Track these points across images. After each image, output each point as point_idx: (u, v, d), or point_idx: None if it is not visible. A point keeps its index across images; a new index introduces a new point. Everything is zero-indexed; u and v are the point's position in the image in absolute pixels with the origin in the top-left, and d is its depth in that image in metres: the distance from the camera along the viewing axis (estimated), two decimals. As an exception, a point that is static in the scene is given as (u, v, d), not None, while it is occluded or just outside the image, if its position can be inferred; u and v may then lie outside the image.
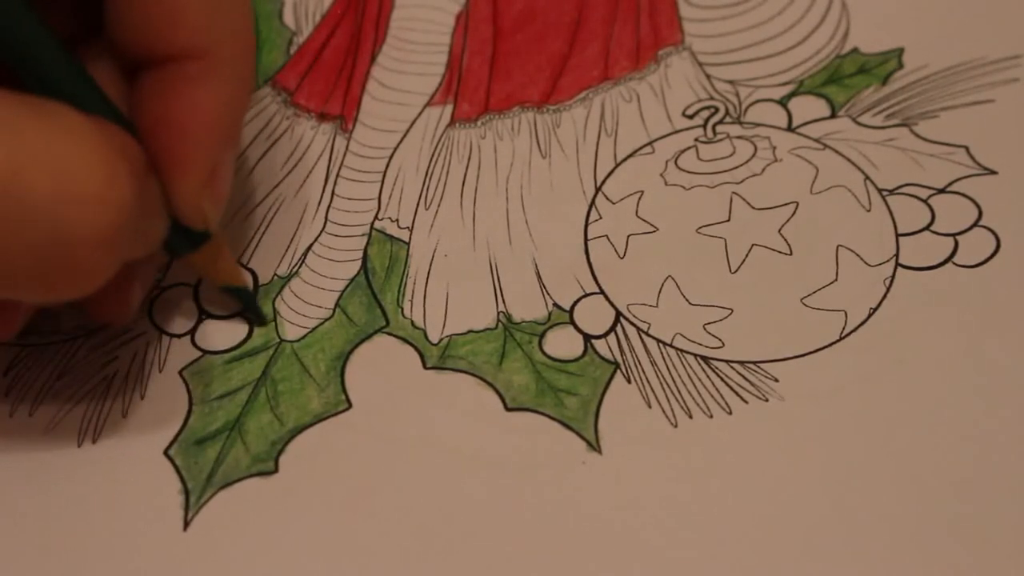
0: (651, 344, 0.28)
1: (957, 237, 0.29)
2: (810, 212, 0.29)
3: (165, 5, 0.24)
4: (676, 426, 0.26)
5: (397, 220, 0.30)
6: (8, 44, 0.22)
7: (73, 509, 0.26)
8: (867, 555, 0.24)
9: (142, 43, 0.24)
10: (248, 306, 0.29)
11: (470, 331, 0.28)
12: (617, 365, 0.27)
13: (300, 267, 0.30)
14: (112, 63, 0.25)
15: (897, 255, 0.28)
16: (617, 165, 0.31)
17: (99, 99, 0.24)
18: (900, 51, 0.32)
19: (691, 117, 0.31)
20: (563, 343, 0.28)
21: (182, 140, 0.24)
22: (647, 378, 0.27)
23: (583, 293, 0.29)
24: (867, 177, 0.30)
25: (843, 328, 0.27)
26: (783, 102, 0.32)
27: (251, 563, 0.25)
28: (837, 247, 0.29)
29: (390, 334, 0.28)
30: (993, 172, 0.30)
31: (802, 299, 0.28)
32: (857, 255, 0.29)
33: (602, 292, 0.29)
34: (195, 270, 0.29)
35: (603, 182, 0.31)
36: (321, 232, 0.30)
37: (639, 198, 0.30)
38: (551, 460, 0.26)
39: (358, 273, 0.29)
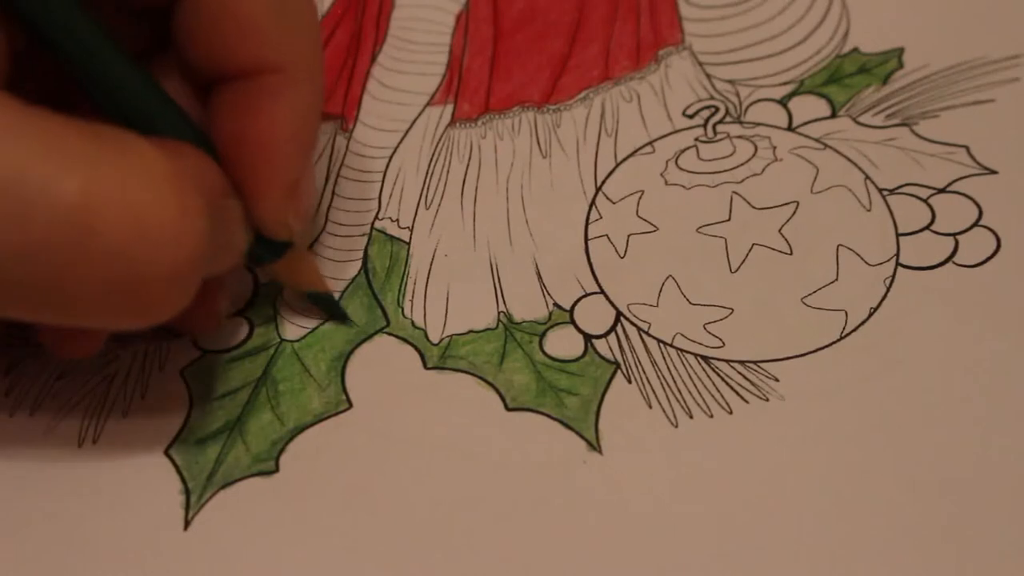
0: (651, 344, 0.28)
1: (957, 237, 0.29)
2: (810, 212, 0.29)
3: (238, 20, 0.24)
4: (676, 426, 0.26)
5: (397, 220, 0.30)
6: (84, 64, 0.22)
7: (73, 509, 0.26)
8: (867, 555, 0.24)
9: (215, 59, 0.24)
10: (332, 312, 0.28)
11: (470, 331, 0.28)
12: (617, 365, 0.27)
13: (300, 267, 0.30)
14: (182, 80, 0.25)
15: (897, 255, 0.28)
16: (617, 165, 0.31)
17: (177, 118, 0.24)
18: (900, 51, 0.32)
19: (691, 117, 0.31)
20: (563, 343, 0.28)
21: (263, 157, 0.24)
22: (647, 378, 0.27)
23: (583, 293, 0.29)
24: (867, 177, 0.30)
25: (843, 328, 0.27)
26: (783, 102, 0.32)
27: (251, 563, 0.25)
28: (837, 247, 0.29)
29: (390, 334, 0.28)
30: (993, 172, 0.30)
31: (802, 299, 0.28)
32: (857, 255, 0.29)
33: (602, 292, 0.29)
34: (278, 278, 0.28)
35: (603, 182, 0.31)
36: (321, 232, 0.30)
37: (639, 198, 0.30)
38: (551, 460, 0.26)
39: (358, 273, 0.29)
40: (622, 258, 0.29)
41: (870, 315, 0.28)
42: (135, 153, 0.21)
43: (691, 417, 0.26)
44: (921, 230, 0.29)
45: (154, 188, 0.21)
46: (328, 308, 0.29)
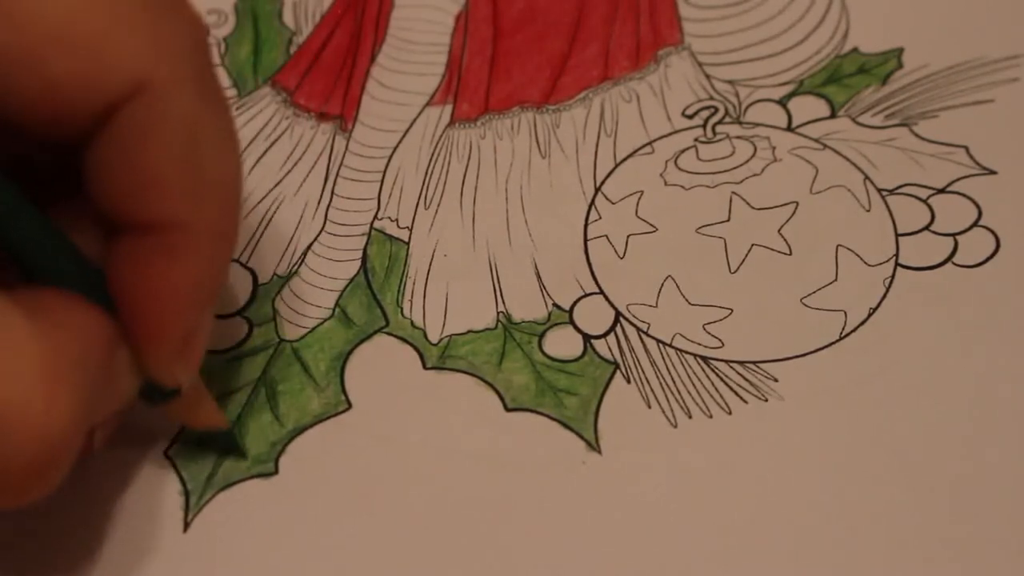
0: (651, 344, 0.28)
1: (957, 237, 0.29)
2: (810, 212, 0.29)
3: (143, 171, 0.22)
4: (676, 426, 0.26)
5: (397, 220, 0.30)
6: None
7: (73, 509, 0.26)
8: (867, 554, 0.24)
9: (118, 208, 0.23)
10: (230, 446, 0.27)
11: (470, 331, 0.28)
12: (617, 365, 0.27)
13: (300, 267, 0.30)
14: (91, 222, 0.24)
15: (897, 255, 0.28)
16: (617, 165, 0.31)
17: (71, 263, 0.23)
18: (900, 51, 0.32)
19: (691, 117, 0.31)
20: (563, 343, 0.28)
21: (154, 312, 0.23)
22: (647, 378, 0.27)
23: (583, 293, 0.29)
24: (867, 177, 0.30)
25: (843, 328, 0.27)
26: (783, 102, 0.32)
27: (251, 564, 0.25)
28: (837, 247, 0.29)
29: (390, 334, 0.28)
30: (993, 172, 0.30)
31: (802, 299, 0.28)
32: (857, 255, 0.29)
33: (602, 292, 0.29)
34: (172, 418, 0.27)
35: (603, 182, 0.31)
36: (321, 232, 0.30)
37: (639, 198, 0.30)
38: (551, 460, 0.26)
39: (358, 273, 0.29)
40: (621, 258, 0.29)
41: (869, 315, 0.28)
42: (5, 337, 0.20)
43: (690, 417, 0.26)
44: (920, 230, 0.29)
45: (19, 380, 0.20)
46: (225, 444, 0.27)
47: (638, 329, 0.28)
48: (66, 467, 0.21)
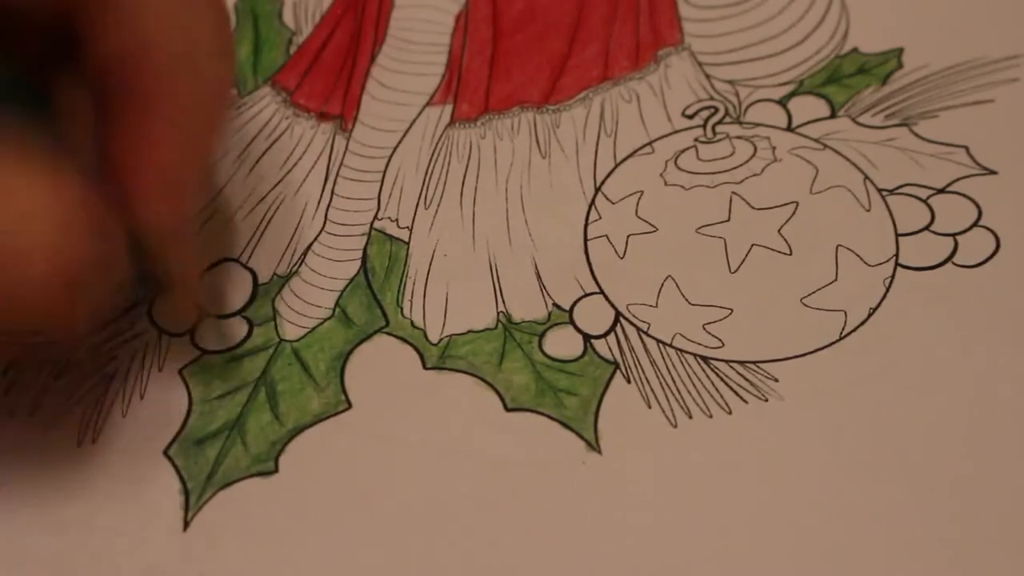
0: (651, 344, 0.28)
1: (957, 237, 0.29)
2: (810, 212, 0.29)
3: (134, 38, 0.23)
4: (676, 426, 0.26)
5: (397, 220, 0.30)
6: None
7: (72, 509, 0.26)
8: (867, 554, 0.24)
9: (108, 75, 0.24)
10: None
11: (470, 331, 0.28)
12: (617, 365, 0.27)
13: (300, 267, 0.30)
14: (83, 91, 0.25)
15: (897, 255, 0.28)
16: (617, 165, 0.31)
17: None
18: (900, 51, 0.32)
19: (691, 117, 0.31)
20: (563, 343, 0.28)
21: (142, 179, 0.24)
22: (647, 378, 0.27)
23: (583, 293, 0.29)
24: (867, 177, 0.30)
25: (843, 328, 0.27)
26: (783, 102, 0.32)
27: (251, 563, 0.25)
28: (837, 247, 0.29)
29: (390, 334, 0.28)
30: (993, 172, 0.30)
31: (802, 299, 0.28)
32: (857, 255, 0.29)
33: (602, 292, 0.29)
34: (163, 320, 0.28)
35: (603, 182, 0.31)
36: (321, 232, 0.30)
37: (639, 198, 0.30)
38: (551, 460, 0.26)
39: (358, 273, 0.29)
40: (621, 258, 0.29)
41: (869, 315, 0.28)
42: (25, 165, 0.21)
43: (690, 417, 0.26)
44: (920, 230, 0.29)
45: (36, 201, 0.21)
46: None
47: (638, 329, 0.28)
48: (81, 307, 0.22)
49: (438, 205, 0.31)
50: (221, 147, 0.26)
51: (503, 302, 0.29)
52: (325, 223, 0.30)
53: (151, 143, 0.24)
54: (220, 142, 0.26)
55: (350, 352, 0.28)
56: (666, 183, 0.30)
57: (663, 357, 0.27)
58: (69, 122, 0.25)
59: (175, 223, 0.25)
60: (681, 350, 0.27)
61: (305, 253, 0.30)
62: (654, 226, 0.30)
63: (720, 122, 0.31)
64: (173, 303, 0.27)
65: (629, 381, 0.27)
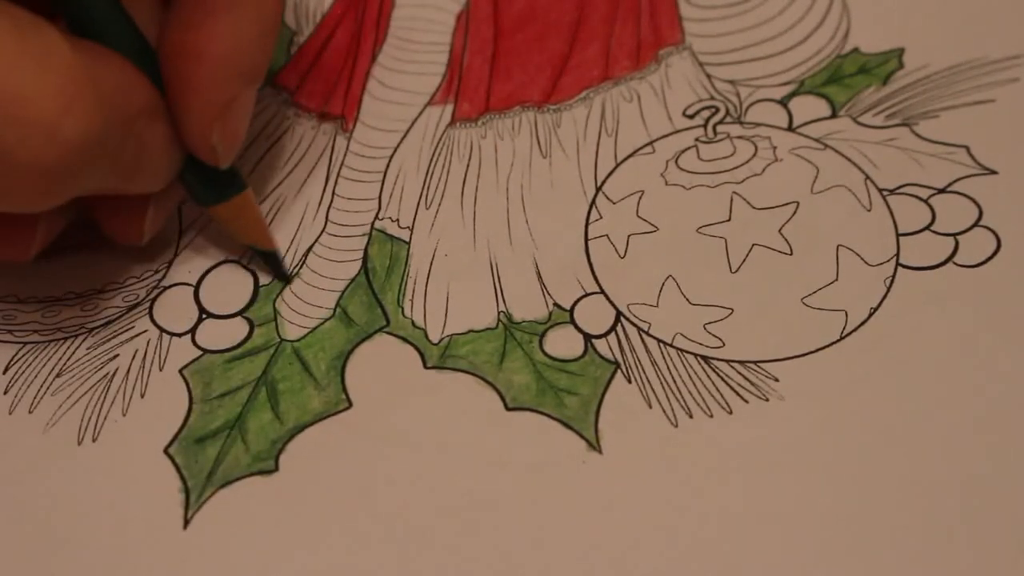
0: (651, 344, 0.28)
1: (957, 237, 0.29)
2: (810, 212, 0.29)
3: None
4: (676, 426, 0.26)
5: (398, 220, 0.30)
6: None
7: (73, 508, 0.26)
8: (867, 554, 0.24)
9: None
10: (276, 270, 0.29)
11: (470, 331, 0.28)
12: (617, 365, 0.27)
13: (301, 267, 0.30)
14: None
15: (897, 255, 0.28)
16: (617, 165, 0.31)
17: (123, 30, 0.24)
18: (901, 51, 0.32)
19: (692, 117, 0.31)
20: (563, 343, 0.28)
21: (195, 70, 0.24)
22: (647, 378, 0.27)
23: (583, 293, 0.29)
24: (867, 177, 0.30)
25: (843, 328, 0.27)
26: (784, 102, 0.32)
27: (250, 562, 0.25)
28: (837, 247, 0.29)
29: (390, 334, 0.28)
30: (993, 172, 0.30)
31: (802, 299, 0.28)
32: (857, 255, 0.28)
33: (602, 292, 0.29)
34: (219, 224, 0.29)
35: (604, 182, 0.31)
36: (322, 232, 0.30)
37: (639, 198, 0.30)
38: (551, 460, 0.26)
39: (359, 273, 0.29)
40: (622, 258, 0.29)
41: (870, 315, 0.28)
42: (38, 36, 0.21)
43: (691, 417, 0.26)
44: (921, 230, 0.29)
45: (41, 74, 0.21)
46: (272, 265, 0.29)
47: (639, 329, 0.28)
48: (70, 187, 0.22)
49: (439, 205, 0.31)
50: (275, 42, 0.27)
51: (504, 302, 0.29)
52: (326, 223, 0.30)
53: (211, 34, 0.25)
54: (276, 35, 0.27)
55: (351, 352, 0.28)
56: (667, 183, 0.30)
57: (664, 357, 0.27)
58: (142, 23, 0.25)
59: (228, 134, 0.26)
60: (682, 350, 0.27)
61: (306, 253, 0.30)
62: (655, 226, 0.30)
63: (721, 122, 0.31)
64: (230, 217, 0.28)
65: (630, 381, 0.27)
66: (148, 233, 0.28)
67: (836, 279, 0.28)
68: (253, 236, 0.29)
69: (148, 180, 0.25)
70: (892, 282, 0.28)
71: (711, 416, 0.26)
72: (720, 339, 0.28)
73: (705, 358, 0.27)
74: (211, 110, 0.25)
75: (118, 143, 0.23)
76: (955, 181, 0.30)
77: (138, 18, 0.25)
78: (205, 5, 0.25)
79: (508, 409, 0.27)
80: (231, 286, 0.29)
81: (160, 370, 0.28)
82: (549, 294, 0.29)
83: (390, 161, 0.32)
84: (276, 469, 0.26)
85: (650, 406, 0.27)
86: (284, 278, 0.29)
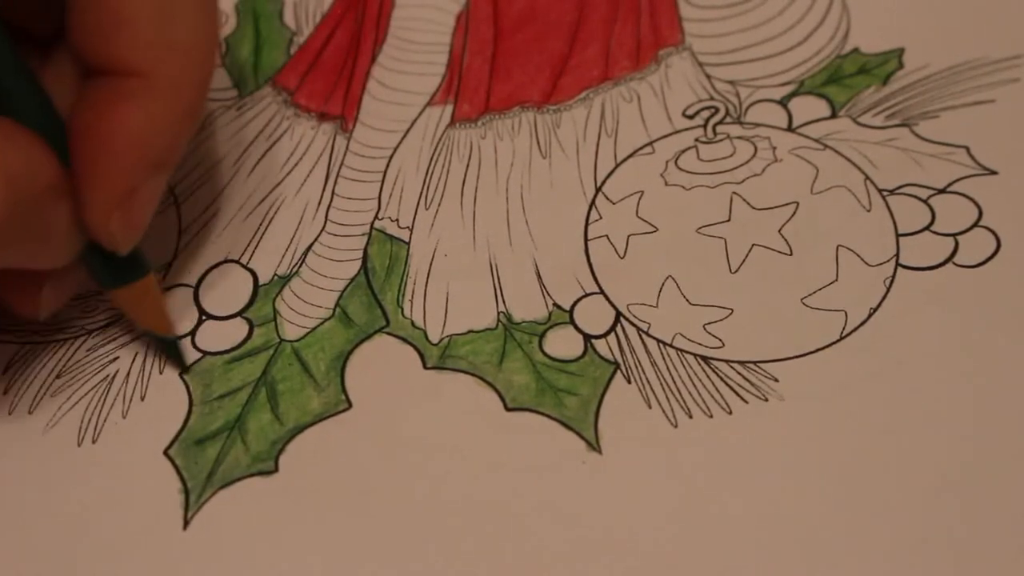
0: (651, 344, 0.28)
1: (957, 237, 0.29)
2: (810, 212, 0.29)
3: (114, 16, 0.23)
4: (676, 426, 0.26)
5: (397, 220, 0.30)
6: None
7: (73, 508, 0.26)
8: (867, 554, 0.24)
9: (89, 51, 0.24)
10: (172, 357, 0.28)
11: (470, 331, 0.28)
12: (617, 365, 0.27)
13: (300, 267, 0.30)
14: (73, 68, 0.25)
15: (897, 255, 0.28)
16: (617, 165, 0.31)
17: (32, 105, 0.23)
18: (900, 51, 0.32)
19: (691, 117, 0.31)
20: (563, 343, 0.28)
21: (99, 154, 0.24)
22: (647, 378, 0.27)
23: (583, 293, 0.29)
24: (867, 177, 0.30)
25: (843, 328, 0.27)
26: (783, 102, 0.32)
27: (251, 562, 0.25)
28: (837, 247, 0.29)
29: (390, 334, 0.28)
30: (993, 172, 0.30)
31: (802, 299, 0.28)
32: (857, 255, 0.28)
33: (602, 292, 0.29)
34: (119, 308, 0.28)
35: (603, 182, 0.31)
36: (321, 232, 0.30)
37: (639, 198, 0.30)
38: (551, 460, 0.26)
39: (358, 273, 0.29)
40: (622, 258, 0.29)
41: (870, 315, 0.28)
42: None
43: (691, 417, 0.26)
44: (921, 230, 0.29)
45: None
46: (170, 353, 0.28)
47: (638, 329, 0.28)
48: None
49: (438, 205, 0.31)
50: (193, 130, 0.26)
51: (503, 302, 0.29)
52: (326, 223, 0.30)
53: (121, 119, 0.24)
54: (194, 124, 0.25)
55: (350, 352, 0.28)
56: (667, 183, 0.30)
57: (663, 357, 0.27)
58: (59, 97, 0.24)
59: (130, 222, 0.25)
60: (681, 350, 0.27)
61: (306, 253, 0.30)
62: (654, 226, 0.30)
63: (721, 122, 0.31)
64: (130, 301, 0.27)
65: (629, 381, 0.27)
66: (46, 309, 0.27)
67: (836, 279, 0.28)
68: (153, 322, 0.28)
69: (47, 257, 0.24)
70: (892, 282, 0.28)
71: (711, 416, 0.26)
72: (720, 339, 0.28)
73: (705, 358, 0.27)
74: (113, 197, 0.24)
75: (21, 222, 0.23)
76: (955, 181, 0.29)
77: (55, 92, 0.24)
78: (118, 87, 0.24)
79: (508, 409, 0.27)
80: (231, 286, 0.29)
81: (160, 372, 0.28)
82: (549, 294, 0.29)
83: (390, 161, 0.32)
84: (276, 470, 0.26)
85: (650, 406, 0.27)
86: (182, 367, 0.28)
